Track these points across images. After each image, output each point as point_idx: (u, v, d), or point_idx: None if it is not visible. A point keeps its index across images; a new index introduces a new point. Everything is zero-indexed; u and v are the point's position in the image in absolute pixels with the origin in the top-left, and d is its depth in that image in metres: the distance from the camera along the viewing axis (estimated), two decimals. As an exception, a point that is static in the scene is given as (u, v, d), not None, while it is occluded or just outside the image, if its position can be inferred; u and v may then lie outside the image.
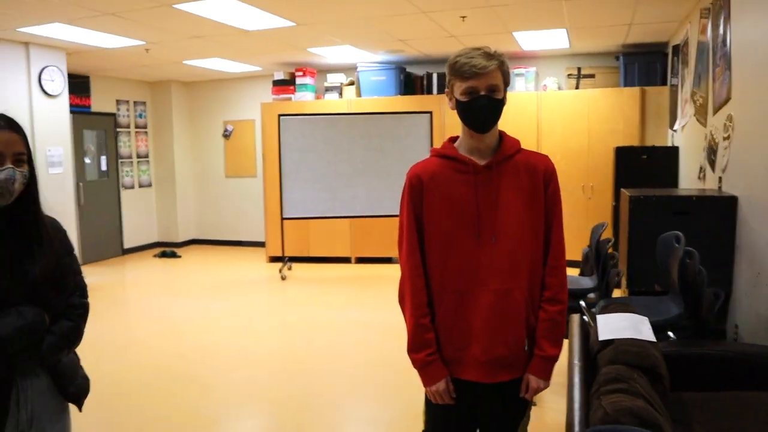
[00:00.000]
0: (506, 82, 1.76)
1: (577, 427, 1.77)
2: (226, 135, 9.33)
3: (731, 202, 3.59)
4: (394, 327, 5.15)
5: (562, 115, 7.00)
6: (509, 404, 1.86)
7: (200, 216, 9.72)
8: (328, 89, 8.01)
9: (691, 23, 5.22)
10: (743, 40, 3.54)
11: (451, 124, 7.51)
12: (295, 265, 7.90)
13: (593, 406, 1.90)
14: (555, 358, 1.84)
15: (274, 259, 8.18)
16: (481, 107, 1.71)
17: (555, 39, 6.48)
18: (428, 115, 7.18)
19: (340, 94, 7.98)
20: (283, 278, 7.18)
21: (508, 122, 7.25)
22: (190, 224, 9.69)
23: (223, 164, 9.45)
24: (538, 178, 1.79)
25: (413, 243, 1.82)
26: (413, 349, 1.83)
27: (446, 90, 1.80)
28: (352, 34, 6.31)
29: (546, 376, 1.84)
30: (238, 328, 5.29)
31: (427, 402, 1.90)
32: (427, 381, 1.81)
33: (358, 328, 5.24)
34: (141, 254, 9.03)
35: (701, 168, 4.61)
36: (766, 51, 3.14)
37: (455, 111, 1.78)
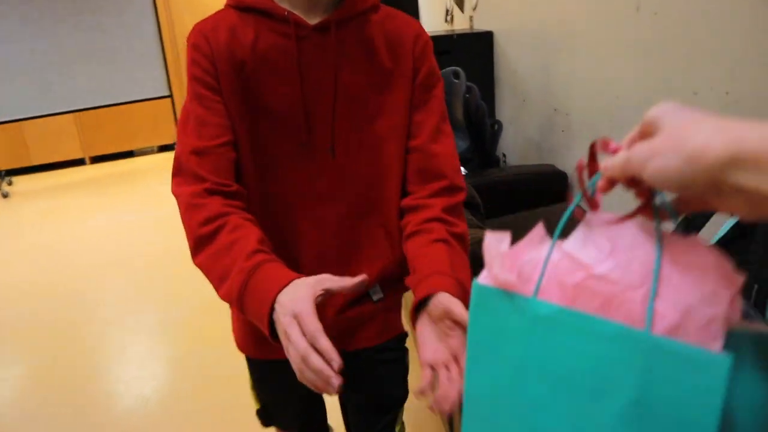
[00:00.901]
0: None
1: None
2: None
3: (487, 36, 3.70)
4: (157, 224, 4.64)
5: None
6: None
7: None
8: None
9: None
10: None
11: (175, -9, 6.63)
12: (14, 179, 6.64)
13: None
14: None
15: (-15, 176, 6.77)
16: None
17: None
18: (146, -20, 6.23)
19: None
20: (5, 195, 5.99)
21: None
22: None
23: None
24: (405, 50, 1.13)
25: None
26: (218, 280, 0.99)
27: None
28: None
29: None
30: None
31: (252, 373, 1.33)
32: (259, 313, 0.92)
33: (113, 234, 4.61)
34: None
35: (447, 10, 4.69)
36: None
37: None
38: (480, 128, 2.97)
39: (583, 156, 0.56)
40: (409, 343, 1.32)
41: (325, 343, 0.78)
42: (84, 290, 3.65)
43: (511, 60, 3.46)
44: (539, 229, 0.54)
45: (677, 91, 1.99)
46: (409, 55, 1.13)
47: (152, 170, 6.44)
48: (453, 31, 4.03)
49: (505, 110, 3.65)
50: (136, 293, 3.55)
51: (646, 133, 0.51)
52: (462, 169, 2.48)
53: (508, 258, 0.52)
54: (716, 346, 0.41)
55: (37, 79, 6.02)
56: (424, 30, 1.19)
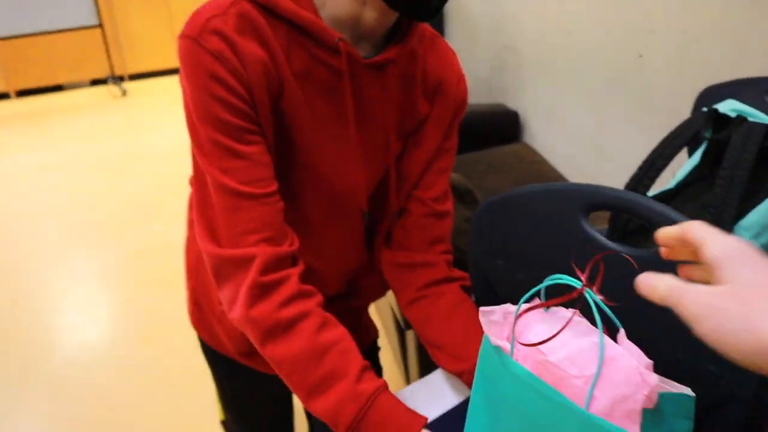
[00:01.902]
0: None
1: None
2: None
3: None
4: (90, 162, 4.42)
5: None
6: None
7: None
8: None
9: None
10: None
11: None
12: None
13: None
14: None
15: None
16: None
17: None
18: None
19: None
20: None
21: None
22: None
23: None
24: (446, 101, 0.97)
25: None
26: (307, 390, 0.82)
27: None
28: None
29: None
30: None
31: (220, 383, 1.23)
32: None
33: (42, 172, 4.35)
34: None
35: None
36: None
37: None
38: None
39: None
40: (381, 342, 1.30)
41: None
42: (16, 234, 3.46)
43: (463, -5, 3.36)
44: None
45: (634, 30, 1.96)
46: (450, 104, 0.97)
47: (84, 105, 6.09)
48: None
49: (455, 48, 3.57)
50: (73, 237, 3.39)
51: (696, 258, 0.49)
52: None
53: (497, 327, 0.68)
54: (635, 429, 0.56)
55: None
56: (463, 72, 1.01)
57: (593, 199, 0.77)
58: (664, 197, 1.23)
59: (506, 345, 0.65)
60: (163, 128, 5.10)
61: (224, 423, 1.32)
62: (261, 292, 0.78)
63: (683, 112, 1.21)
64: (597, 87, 2.24)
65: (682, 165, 1.17)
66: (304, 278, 0.84)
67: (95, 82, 6.87)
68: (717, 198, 1.06)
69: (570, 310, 0.63)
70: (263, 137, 0.80)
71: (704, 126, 1.14)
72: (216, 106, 0.76)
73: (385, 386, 0.80)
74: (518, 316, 0.65)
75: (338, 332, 0.82)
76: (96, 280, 2.98)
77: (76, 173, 4.25)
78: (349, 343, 0.81)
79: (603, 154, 2.26)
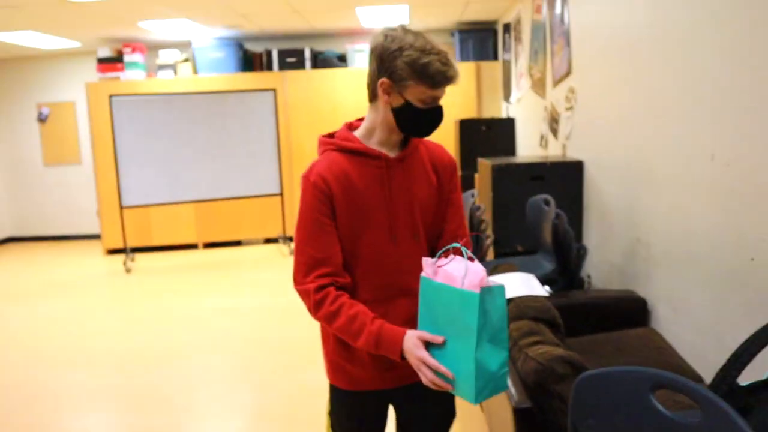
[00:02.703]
0: None
1: (509, 382, 1.90)
2: (42, 119, 8.37)
3: (578, 165, 4.00)
4: (258, 310, 5.06)
5: (404, 91, 7.20)
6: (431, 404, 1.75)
7: (16, 210, 8.67)
8: (161, 67, 7.50)
9: (522, 4, 5.65)
10: (582, 20, 3.92)
11: (294, 103, 7.43)
12: (137, 256, 7.39)
13: (519, 360, 2.05)
14: None
15: (112, 252, 7.58)
16: (438, 118, 1.55)
17: (396, 15, 6.66)
18: (272, 93, 7.03)
19: (175, 71, 7.52)
20: (128, 271, 6.69)
21: (353, 97, 7.37)
22: (3, 220, 8.61)
23: (40, 151, 8.48)
24: (445, 170, 1.69)
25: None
26: (354, 337, 1.51)
27: (381, 80, 1.50)
28: (189, 6, 5.96)
29: None
30: (85, 330, 4.84)
31: (333, 410, 1.76)
32: (391, 351, 1.46)
33: (218, 315, 5.06)
34: (-55, 259, 7.88)
35: (542, 136, 5.05)
36: (602, 30, 3.51)
37: (386, 108, 1.54)
38: (566, 252, 3.21)
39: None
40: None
41: (437, 364, 1.38)
42: (189, 370, 4.04)
43: (599, 189, 3.72)
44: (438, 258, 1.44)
45: (749, 238, 2.19)
46: (448, 170, 1.70)
47: (257, 260, 6.99)
48: (547, 158, 4.36)
49: (592, 235, 3.87)
50: (239, 376, 3.90)
51: None
52: (546, 288, 2.73)
53: (429, 266, 1.43)
54: (477, 291, 1.30)
55: (168, 171, 6.83)
56: (451, 155, 1.74)
57: (658, 381, 1.04)
58: (753, 388, 1.42)
59: (431, 274, 1.43)
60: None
61: None
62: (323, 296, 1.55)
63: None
64: (716, 282, 2.43)
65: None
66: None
67: (268, 240, 7.89)
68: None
69: (459, 258, 1.40)
70: (335, 224, 1.59)
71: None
72: (315, 213, 1.55)
73: (383, 322, 1.49)
74: (438, 258, 1.44)
75: (360, 306, 1.52)
76: (249, 420, 3.39)
77: (245, 318, 4.90)
78: (363, 308, 1.52)
79: (723, 344, 2.39)
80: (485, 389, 1.33)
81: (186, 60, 7.60)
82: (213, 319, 4.96)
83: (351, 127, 1.66)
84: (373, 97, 1.57)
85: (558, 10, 4.37)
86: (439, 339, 1.38)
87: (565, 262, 3.24)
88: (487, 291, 1.30)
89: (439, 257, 1.42)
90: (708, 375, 2.50)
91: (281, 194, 7.22)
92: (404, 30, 1.52)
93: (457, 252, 1.44)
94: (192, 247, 7.74)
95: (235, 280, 6.13)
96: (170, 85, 7.34)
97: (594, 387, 1.18)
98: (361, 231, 1.57)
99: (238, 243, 7.88)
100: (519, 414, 1.71)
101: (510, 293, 2.68)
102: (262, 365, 3.99)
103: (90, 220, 8.44)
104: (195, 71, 7.55)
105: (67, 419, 3.34)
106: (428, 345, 1.42)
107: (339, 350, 1.64)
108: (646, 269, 3.10)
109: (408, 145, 1.62)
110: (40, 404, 3.54)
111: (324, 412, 3.32)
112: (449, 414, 1.78)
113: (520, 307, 2.50)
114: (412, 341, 1.42)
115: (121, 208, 6.70)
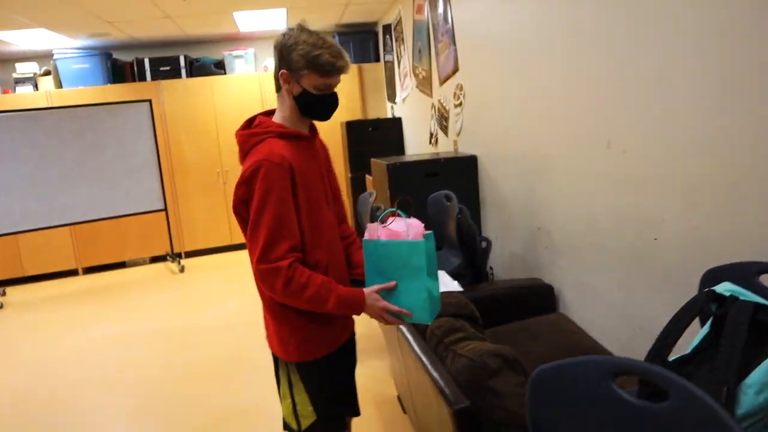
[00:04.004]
0: None
1: (442, 382, 1.86)
2: None
3: (472, 160, 4.08)
4: (154, 334, 4.75)
5: (287, 96, 7.06)
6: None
7: None
8: (18, 81, 6.86)
9: (402, 5, 5.71)
10: (466, 18, 4.00)
11: (172, 113, 7.08)
12: (8, 289, 6.71)
13: (448, 358, 2.02)
14: None
15: (-24, 288, 6.83)
16: (333, 103, 1.81)
17: (273, 19, 6.51)
18: (147, 104, 6.64)
19: (36, 86, 6.91)
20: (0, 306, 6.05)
21: (234, 104, 7.14)
22: None
23: None
24: (323, 147, 2.02)
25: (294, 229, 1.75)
26: (322, 303, 1.73)
27: (281, 72, 1.76)
28: (47, 15, 5.49)
29: None
30: (-40, 377, 4.31)
31: (307, 387, 1.89)
32: (356, 309, 1.76)
33: (110, 345, 4.69)
34: None
35: (432, 134, 5.12)
36: (488, 27, 3.61)
37: (289, 96, 1.79)
38: (471, 246, 3.26)
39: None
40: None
41: (398, 308, 1.73)
42: (85, 407, 3.70)
43: (495, 182, 3.81)
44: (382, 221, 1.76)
45: (647, 220, 2.31)
46: (325, 149, 2.01)
47: (146, 281, 6.58)
48: (438, 154, 4.42)
49: (491, 228, 3.96)
50: (144, 410, 3.62)
51: None
52: (456, 284, 2.74)
53: (375, 229, 1.75)
54: (430, 232, 1.73)
55: (38, 195, 6.26)
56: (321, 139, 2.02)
57: (618, 368, 1.04)
58: (682, 361, 1.48)
59: (375, 235, 1.73)
60: (217, 303, 5.49)
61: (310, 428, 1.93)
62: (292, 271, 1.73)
63: (695, 285, 1.50)
64: (621, 266, 2.54)
65: (696, 333, 1.44)
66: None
67: (154, 259, 7.45)
68: (722, 362, 1.31)
69: (398, 218, 1.75)
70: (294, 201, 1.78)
71: (706, 304, 1.42)
72: (281, 191, 1.72)
73: (345, 287, 1.76)
74: (382, 220, 1.76)
75: (322, 277, 1.75)
76: (161, 448, 3.15)
77: (140, 346, 4.57)
78: (324, 276, 1.75)
79: (633, 323, 2.51)
80: (434, 310, 1.77)
81: (47, 73, 7.00)
82: (104, 350, 4.59)
83: (268, 115, 1.87)
84: (278, 87, 1.81)
85: (441, 9, 4.44)
86: (391, 285, 1.72)
87: (471, 256, 3.29)
88: (428, 237, 1.70)
89: (382, 220, 1.75)
90: (622, 355, 2.61)
91: (165, 209, 6.84)
92: (300, 28, 1.74)
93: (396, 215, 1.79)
94: (71, 273, 7.14)
95: (124, 305, 5.72)
96: (30, 100, 6.73)
97: (550, 380, 1.16)
98: (316, 204, 1.80)
99: (122, 264, 7.38)
100: (458, 415, 1.68)
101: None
102: (168, 395, 3.73)
103: (-55, 254, 7.57)
104: (59, 85, 6.97)
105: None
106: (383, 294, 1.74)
107: (310, 320, 1.81)
108: (549, 257, 3.20)
109: (312, 127, 1.91)
110: None
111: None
112: None
113: (438, 305, 2.49)
114: (372, 297, 1.74)
115: (-16, 238, 6.06)
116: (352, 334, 2.04)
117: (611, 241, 2.60)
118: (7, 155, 6.11)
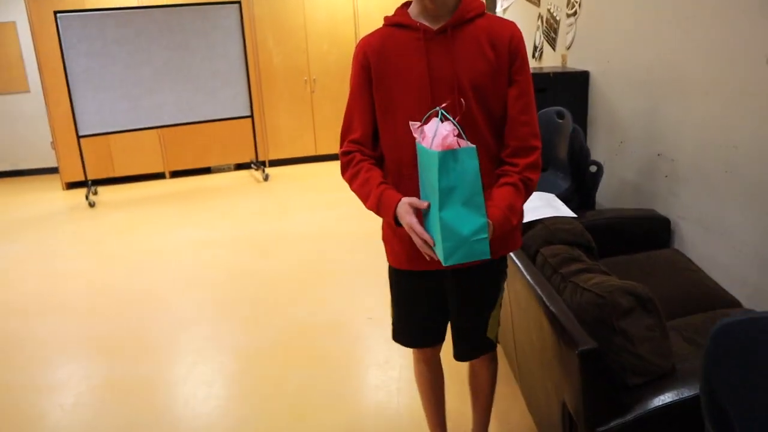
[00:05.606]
0: None
1: (563, 319, 1.66)
2: (-21, 41, 7.61)
3: (584, 76, 3.71)
4: (237, 241, 4.76)
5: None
6: (480, 287, 1.79)
7: (-40, 144, 8.03)
8: (110, -20, 6.79)
9: None
10: None
11: (261, 15, 6.87)
12: (100, 189, 6.93)
13: (566, 291, 1.83)
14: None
15: (72, 185, 7.10)
16: None
17: None
18: (236, 5, 6.47)
19: (126, -16, 6.83)
20: (92, 205, 6.26)
21: (324, 9, 6.84)
22: (-52, 155, 7.98)
23: (-21, 78, 7.77)
24: (502, 46, 1.54)
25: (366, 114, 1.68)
26: (365, 199, 1.62)
27: None
28: None
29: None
30: (52, 272, 4.49)
31: (393, 291, 1.88)
32: (387, 214, 1.55)
33: (194, 249, 4.74)
34: None
35: (536, 47, 4.72)
36: None
37: None
38: (582, 169, 2.97)
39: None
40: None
41: (421, 231, 1.43)
42: (167, 307, 3.76)
43: (609, 101, 3.45)
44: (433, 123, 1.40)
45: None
46: (505, 49, 1.55)
47: (230, 188, 6.62)
48: (542, 68, 4.05)
49: (599, 152, 3.63)
50: (223, 313, 3.64)
51: None
52: (568, 209, 2.49)
53: (416, 131, 1.44)
54: (467, 148, 1.33)
55: (128, 95, 6.29)
56: (518, 29, 1.59)
57: None
58: None
59: (419, 139, 1.43)
60: (301, 213, 5.45)
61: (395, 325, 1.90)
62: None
63: None
64: (762, 201, 2.22)
65: None
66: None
67: (239, 166, 7.48)
68: None
69: (436, 120, 1.39)
70: (370, 90, 1.65)
71: None
72: (355, 87, 1.66)
73: (389, 187, 1.57)
74: (420, 125, 1.43)
75: (375, 172, 1.61)
76: (244, 357, 3.15)
77: (224, 251, 4.60)
78: (377, 173, 1.61)
79: (767, 267, 2.21)
80: (456, 252, 1.33)
81: (137, -29, 6.89)
82: (189, 253, 4.65)
83: (407, 4, 1.66)
84: None
85: None
86: (423, 204, 1.43)
87: (580, 181, 3.01)
88: (450, 153, 1.30)
89: (425, 121, 1.46)
90: (749, 302, 2.33)
91: (252, 116, 6.78)
92: None
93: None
94: (158, 176, 7.30)
95: (209, 210, 5.78)
96: (122, -1, 6.69)
97: (738, 336, 0.94)
98: (400, 101, 1.59)
99: (207, 170, 7.47)
100: (584, 357, 1.49)
101: (534, 215, 2.45)
102: (248, 301, 3.74)
103: (45, 152, 7.87)
104: (149, -16, 6.87)
105: (42, 372, 3.06)
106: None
107: (384, 226, 1.77)
108: (668, 186, 2.89)
109: (453, 16, 1.56)
110: (12, 356, 3.25)
111: (317, 346, 3.11)
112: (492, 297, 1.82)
113: (549, 230, 2.26)
114: (403, 207, 1.48)
115: (78, 137, 6.21)
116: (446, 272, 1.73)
117: (753, 171, 2.26)
118: (100, 54, 6.14)
